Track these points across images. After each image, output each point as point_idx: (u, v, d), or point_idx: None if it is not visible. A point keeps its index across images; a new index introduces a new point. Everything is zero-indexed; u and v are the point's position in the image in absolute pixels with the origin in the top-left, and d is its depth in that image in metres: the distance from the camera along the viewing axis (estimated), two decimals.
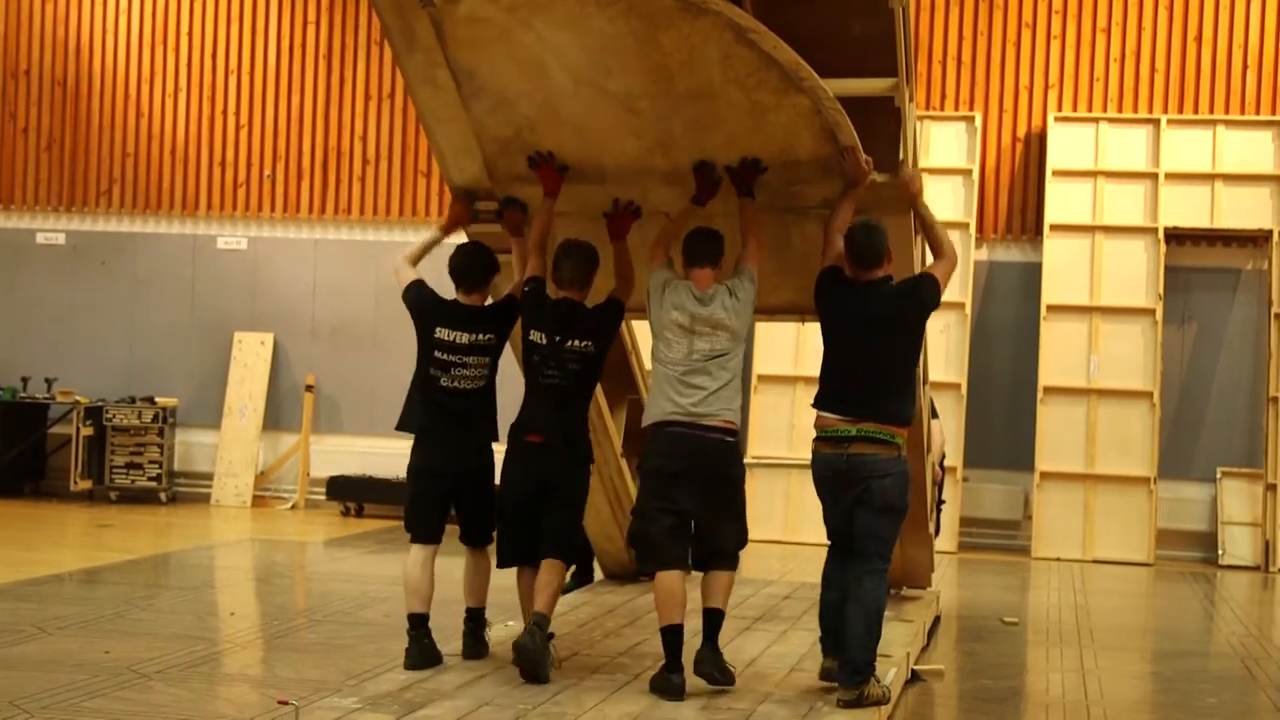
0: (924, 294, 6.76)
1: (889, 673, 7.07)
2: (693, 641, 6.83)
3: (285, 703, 6.54)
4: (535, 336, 7.07)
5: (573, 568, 8.85)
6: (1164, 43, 14.30)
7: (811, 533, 13.07)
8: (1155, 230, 13.95)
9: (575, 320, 7.05)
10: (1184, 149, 14.12)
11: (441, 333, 7.19)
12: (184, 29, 16.05)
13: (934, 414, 9.83)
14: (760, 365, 14.11)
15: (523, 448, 7.06)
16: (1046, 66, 14.49)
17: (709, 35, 6.44)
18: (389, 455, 15.00)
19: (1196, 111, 14.23)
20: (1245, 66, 14.16)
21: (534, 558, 7.06)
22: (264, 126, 15.88)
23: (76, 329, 16.16)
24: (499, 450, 7.31)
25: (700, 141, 6.97)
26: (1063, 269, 14.05)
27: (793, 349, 13.89)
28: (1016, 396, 14.14)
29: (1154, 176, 14.11)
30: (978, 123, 14.43)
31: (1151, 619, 11.36)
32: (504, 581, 7.56)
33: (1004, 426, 14.15)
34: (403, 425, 7.46)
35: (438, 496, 7.27)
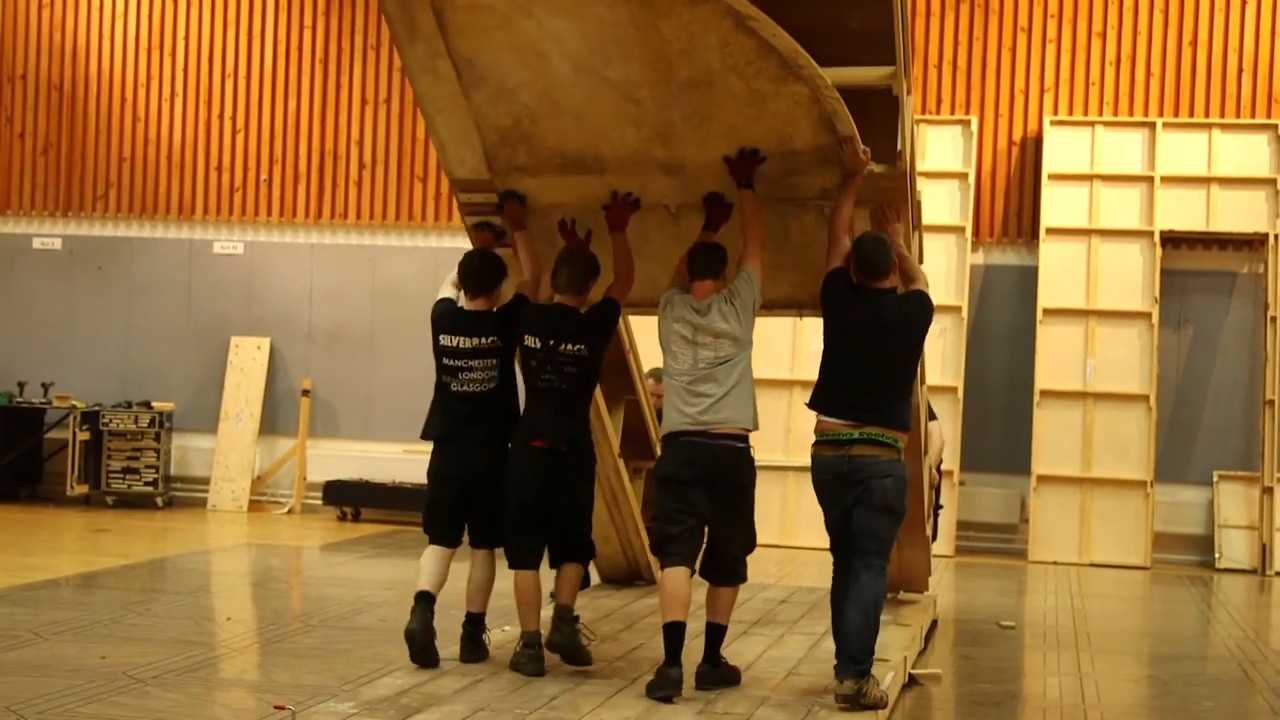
0: (925, 309, 6.94)
1: (886, 676, 7.09)
2: (692, 645, 6.85)
3: (282, 708, 6.54)
4: (530, 341, 7.17)
5: None
6: (1159, 47, 14.33)
7: (809, 537, 13.09)
8: (1151, 234, 13.97)
9: (568, 324, 7.14)
10: (1180, 152, 14.15)
11: (446, 339, 7.35)
12: (181, 34, 16.07)
13: (932, 416, 9.86)
14: (757, 369, 13.91)
15: (528, 453, 7.16)
16: (1042, 71, 14.52)
17: (708, 22, 6.45)
18: (385, 460, 15.10)
19: (1192, 115, 14.26)
20: (1240, 70, 14.20)
21: (535, 562, 7.20)
22: (260, 131, 15.89)
23: (73, 334, 16.17)
24: None
25: (700, 131, 6.98)
26: (1059, 272, 14.07)
27: (789, 353, 13.89)
28: (1013, 400, 14.18)
29: (1150, 180, 14.12)
30: (974, 127, 14.46)
31: (1148, 623, 11.35)
32: (503, 585, 7.57)
33: (1000, 430, 14.18)
34: (425, 433, 7.56)
35: (452, 499, 7.38)
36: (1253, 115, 14.17)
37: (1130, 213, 14.13)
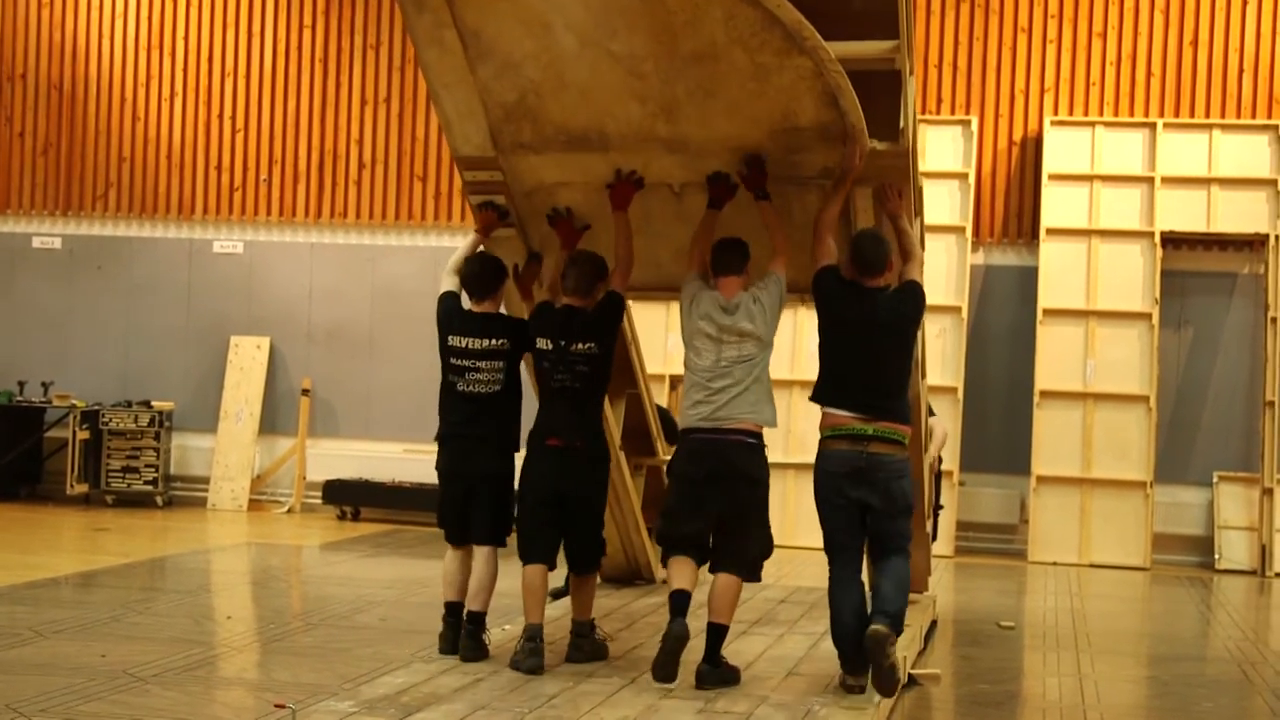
0: (919, 302, 7.06)
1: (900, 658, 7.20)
2: (695, 644, 6.87)
3: (282, 706, 6.54)
4: (542, 344, 7.32)
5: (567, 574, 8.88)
6: (1160, 47, 14.32)
7: (809, 537, 13.06)
8: (1152, 234, 13.97)
9: (576, 324, 7.27)
10: (1180, 153, 14.14)
11: (455, 340, 7.45)
12: (180, 33, 16.07)
13: (930, 412, 9.87)
14: None
15: (544, 451, 7.29)
16: (1042, 71, 14.51)
17: None
18: (385, 459, 15.11)
19: (1192, 115, 14.26)
20: (1241, 70, 14.19)
21: (544, 557, 7.31)
22: (260, 130, 15.89)
23: (73, 333, 16.18)
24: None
25: (703, 107, 7.01)
26: (1059, 273, 14.07)
27: (789, 353, 13.86)
28: (1013, 400, 14.17)
29: (1150, 180, 14.12)
30: (974, 127, 14.46)
31: (1148, 623, 11.34)
32: (503, 586, 7.61)
33: (1000, 431, 14.17)
34: (436, 434, 7.70)
35: (459, 498, 7.49)
36: (1253, 116, 14.16)
37: (1130, 213, 14.12)
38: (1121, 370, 13.83)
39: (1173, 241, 14.05)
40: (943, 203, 14.09)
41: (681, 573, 6.97)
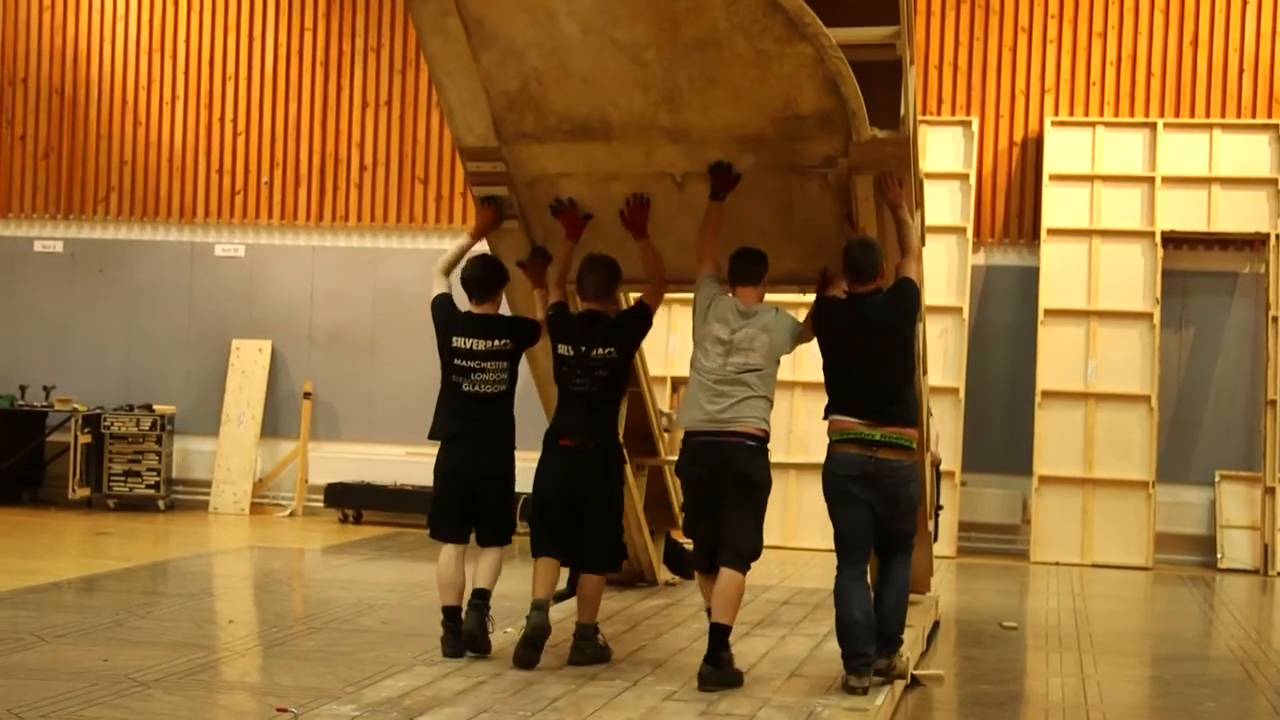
0: (910, 297, 7.15)
1: (904, 658, 7.34)
2: (698, 644, 6.89)
3: (284, 710, 6.53)
4: (564, 350, 7.43)
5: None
6: (1160, 47, 14.32)
7: (811, 538, 13.08)
8: (1152, 234, 13.97)
9: (599, 330, 7.41)
10: (1181, 153, 14.14)
11: (459, 341, 7.51)
12: (181, 37, 16.07)
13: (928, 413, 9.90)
14: None
15: (557, 452, 7.40)
16: (1043, 71, 14.51)
17: None
18: (387, 462, 15.10)
19: (1193, 115, 14.25)
20: (1241, 70, 14.19)
21: (563, 553, 7.42)
22: (261, 134, 15.90)
23: (74, 337, 16.18)
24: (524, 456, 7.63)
25: (705, 95, 7.05)
26: (1060, 273, 14.06)
27: (790, 354, 13.84)
28: (1014, 401, 14.16)
29: (1151, 180, 14.12)
30: (975, 128, 14.46)
31: (1150, 623, 11.35)
32: (505, 589, 7.67)
33: (1002, 431, 14.17)
34: (433, 434, 7.70)
35: (459, 498, 7.53)
36: (1254, 115, 14.15)
37: (1131, 213, 14.12)
38: (1123, 370, 13.82)
39: (1173, 241, 14.05)
40: (943, 203, 14.08)
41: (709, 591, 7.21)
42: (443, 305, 7.63)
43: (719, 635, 6.98)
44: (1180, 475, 13.93)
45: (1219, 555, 13.61)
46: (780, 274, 7.62)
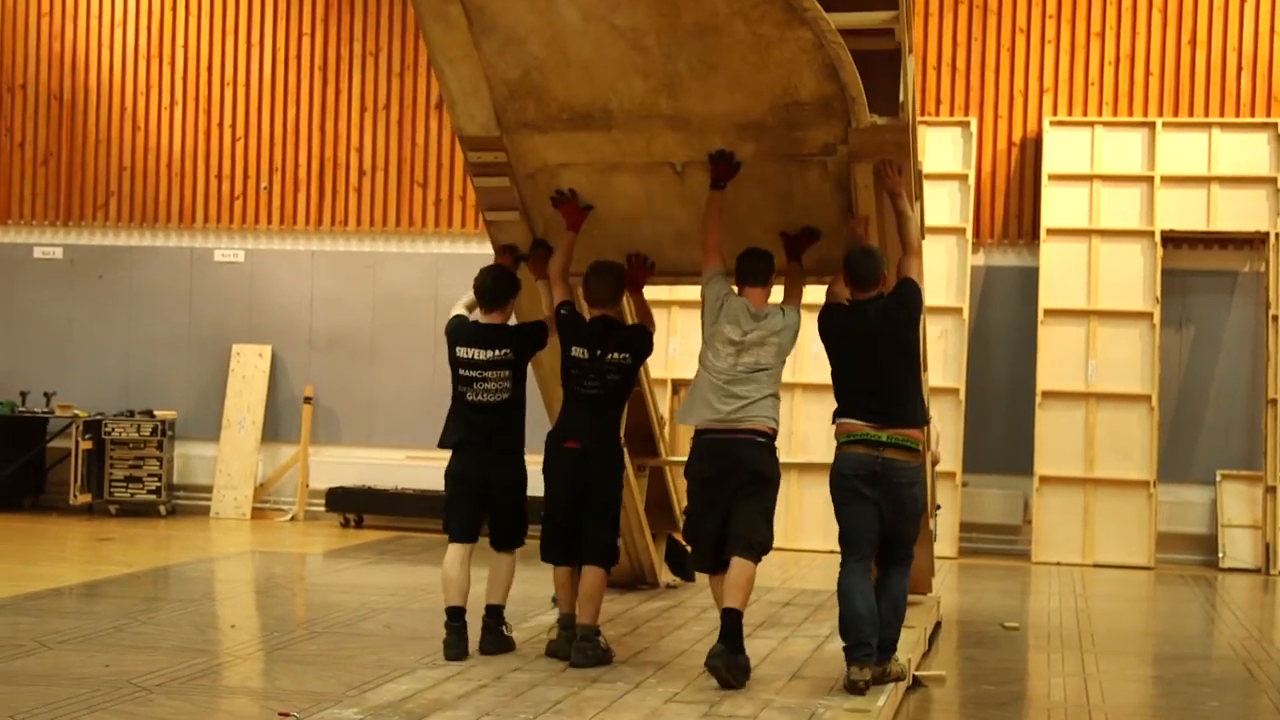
0: (910, 300, 7.24)
1: (903, 658, 7.38)
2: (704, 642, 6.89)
3: (286, 715, 6.54)
4: (578, 353, 7.53)
5: None
6: (1158, 46, 14.32)
7: (813, 539, 13.09)
8: (1152, 233, 13.97)
9: (612, 335, 7.56)
10: (1180, 152, 14.13)
11: (463, 351, 7.69)
12: (179, 43, 16.08)
13: None
14: None
15: (562, 454, 7.54)
16: (1041, 71, 14.52)
17: None
18: (388, 466, 15.14)
19: (1192, 114, 14.25)
20: (1240, 68, 14.19)
21: (574, 556, 7.55)
22: (260, 139, 15.90)
23: (74, 343, 16.18)
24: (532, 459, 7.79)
25: (706, 82, 7.08)
26: (1060, 273, 14.07)
27: (791, 355, 13.84)
28: (1015, 401, 14.16)
29: (1150, 180, 14.12)
30: (973, 128, 14.46)
31: (1152, 623, 11.36)
32: (516, 592, 7.74)
33: (1003, 431, 14.17)
34: (442, 442, 7.91)
35: (469, 498, 7.70)
36: (1252, 114, 14.16)
37: (1131, 212, 14.12)
38: (1123, 370, 13.83)
39: (1173, 240, 14.05)
40: (943, 204, 14.06)
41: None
42: (452, 321, 7.85)
43: (731, 619, 7.04)
44: (1181, 475, 13.93)
45: (1220, 554, 13.62)
46: (781, 265, 7.68)
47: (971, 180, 14.36)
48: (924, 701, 7.61)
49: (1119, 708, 7.83)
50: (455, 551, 7.68)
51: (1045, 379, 13.90)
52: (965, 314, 14.05)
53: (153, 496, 15.29)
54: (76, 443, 15.08)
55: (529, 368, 7.91)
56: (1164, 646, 10.06)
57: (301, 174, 15.82)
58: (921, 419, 7.32)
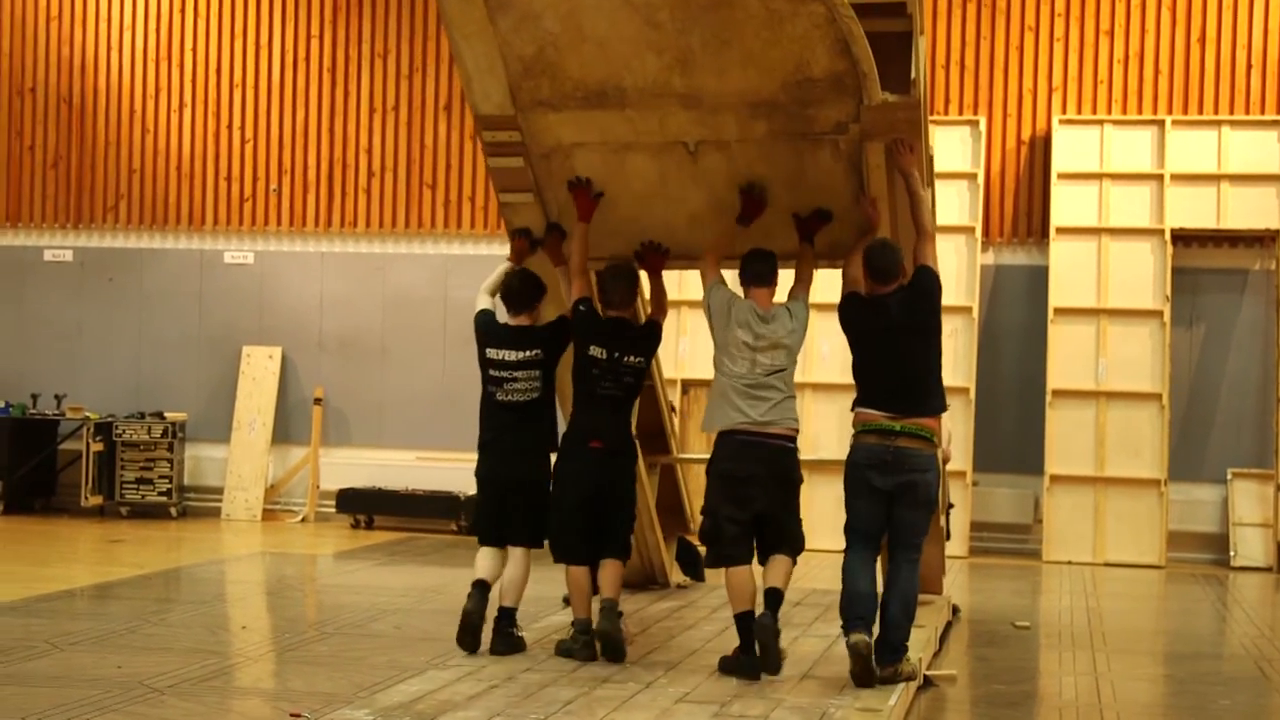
0: (931, 290, 7.33)
1: (915, 657, 7.39)
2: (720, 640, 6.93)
3: (298, 715, 6.56)
4: (596, 352, 7.65)
5: None
6: (1168, 44, 14.33)
7: (823, 539, 13.07)
8: (1162, 232, 13.98)
9: (627, 337, 7.72)
10: (1189, 150, 14.14)
11: (493, 352, 7.84)
12: (188, 45, 16.14)
13: None
14: None
15: (585, 453, 7.66)
16: (1050, 70, 14.53)
17: None
18: (398, 467, 15.17)
19: (1201, 112, 14.25)
20: (1249, 66, 14.18)
21: (587, 556, 7.66)
22: (269, 141, 15.96)
23: (85, 345, 16.24)
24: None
25: (719, 58, 7.13)
26: (1069, 272, 14.08)
27: (801, 355, 13.84)
28: (1025, 400, 14.18)
29: (1160, 178, 14.12)
30: (983, 127, 14.49)
31: (1164, 621, 11.36)
32: (526, 592, 7.80)
33: (1013, 430, 14.18)
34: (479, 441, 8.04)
35: (495, 501, 7.85)
36: (1262, 111, 14.14)
37: (1140, 211, 14.12)
38: (1133, 368, 13.83)
39: (1183, 238, 14.06)
40: (952, 203, 14.07)
41: (742, 589, 7.28)
42: (483, 319, 7.95)
43: (776, 597, 7.28)
44: (1192, 473, 13.93)
45: (1232, 553, 13.62)
46: (791, 248, 7.74)
47: (981, 179, 14.39)
48: (935, 701, 7.63)
49: (1130, 706, 7.84)
50: (486, 550, 7.85)
51: (1055, 378, 13.91)
52: (975, 313, 14.06)
53: (163, 498, 15.35)
54: (88, 445, 15.14)
55: None
56: (1175, 645, 10.06)
57: (310, 175, 15.86)
58: (939, 408, 7.38)
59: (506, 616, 7.74)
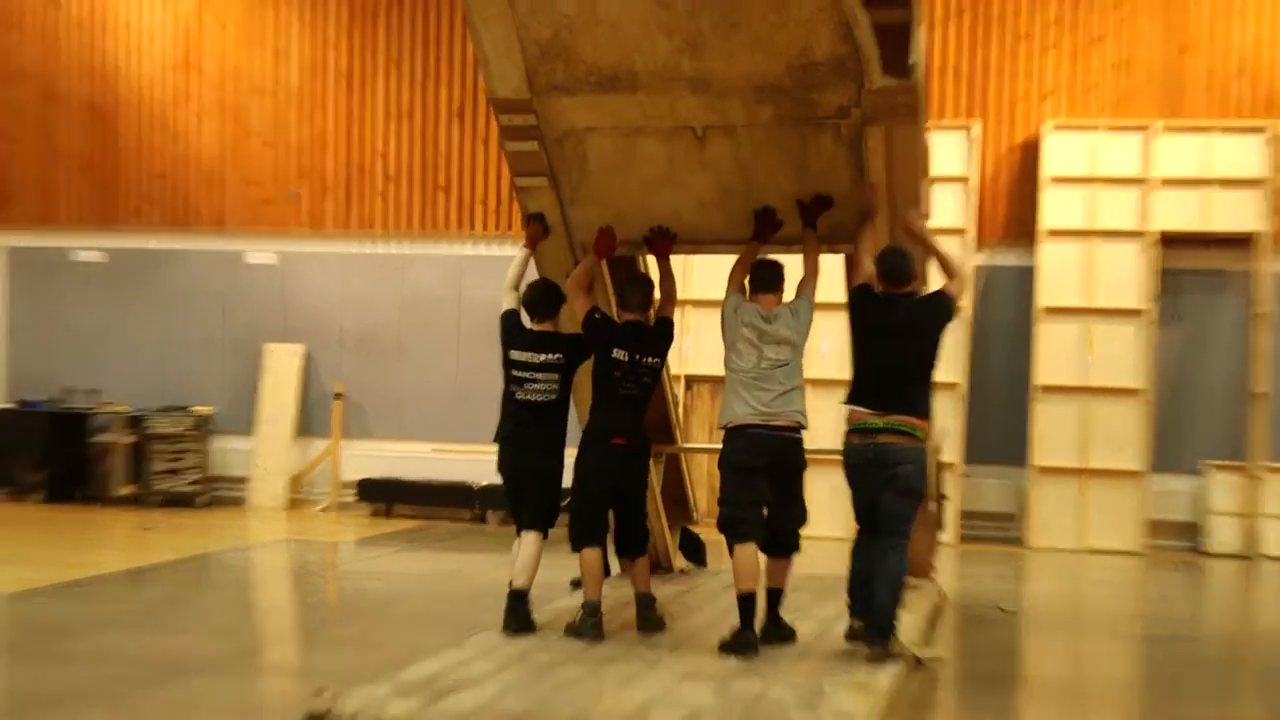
0: (942, 308, 7.64)
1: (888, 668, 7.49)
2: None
3: (324, 689, 6.48)
4: (619, 355, 7.98)
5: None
6: (1158, 52, 14.41)
7: (819, 526, 13.30)
8: (1148, 234, 14.04)
9: (646, 340, 8.05)
10: (1176, 155, 14.18)
11: (516, 354, 8.15)
12: (210, 53, 16.28)
13: None
14: None
15: (608, 448, 7.98)
16: (1042, 76, 14.64)
17: None
18: (416, 458, 15.29)
19: (1189, 118, 14.34)
20: (1236, 74, 14.28)
21: (603, 540, 7.99)
22: (289, 146, 16.10)
23: (113, 343, 16.36)
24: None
25: (727, 41, 7.29)
26: (1058, 272, 14.14)
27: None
28: (1013, 395, 14.25)
29: (1147, 182, 14.19)
30: (976, 132, 14.57)
31: (1142, 605, 11.43)
32: (536, 577, 8.00)
33: (1002, 424, 14.26)
34: (496, 436, 8.34)
35: (517, 491, 8.21)
36: (1248, 117, 14.20)
37: (1128, 214, 14.16)
38: (1118, 365, 13.92)
39: (1167, 240, 14.07)
40: (946, 205, 14.07)
41: (747, 568, 7.62)
42: (507, 320, 8.23)
43: (776, 598, 7.82)
44: (1171, 465, 14.02)
45: (1207, 540, 13.77)
46: (794, 234, 7.99)
47: (974, 182, 14.46)
48: (925, 680, 7.66)
49: (1110, 685, 8.00)
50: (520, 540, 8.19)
51: (1042, 374, 14.01)
52: (967, 311, 14.05)
53: (192, 488, 15.49)
54: (120, 438, 15.32)
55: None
56: (1153, 628, 10.11)
57: (329, 179, 15.98)
58: (923, 411, 7.61)
59: (519, 598, 7.94)
